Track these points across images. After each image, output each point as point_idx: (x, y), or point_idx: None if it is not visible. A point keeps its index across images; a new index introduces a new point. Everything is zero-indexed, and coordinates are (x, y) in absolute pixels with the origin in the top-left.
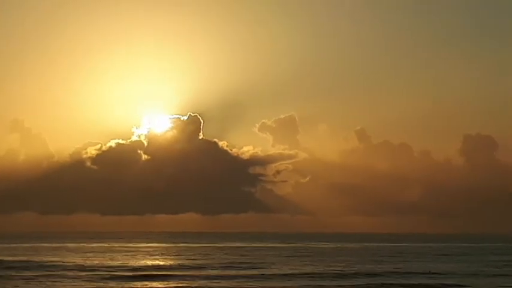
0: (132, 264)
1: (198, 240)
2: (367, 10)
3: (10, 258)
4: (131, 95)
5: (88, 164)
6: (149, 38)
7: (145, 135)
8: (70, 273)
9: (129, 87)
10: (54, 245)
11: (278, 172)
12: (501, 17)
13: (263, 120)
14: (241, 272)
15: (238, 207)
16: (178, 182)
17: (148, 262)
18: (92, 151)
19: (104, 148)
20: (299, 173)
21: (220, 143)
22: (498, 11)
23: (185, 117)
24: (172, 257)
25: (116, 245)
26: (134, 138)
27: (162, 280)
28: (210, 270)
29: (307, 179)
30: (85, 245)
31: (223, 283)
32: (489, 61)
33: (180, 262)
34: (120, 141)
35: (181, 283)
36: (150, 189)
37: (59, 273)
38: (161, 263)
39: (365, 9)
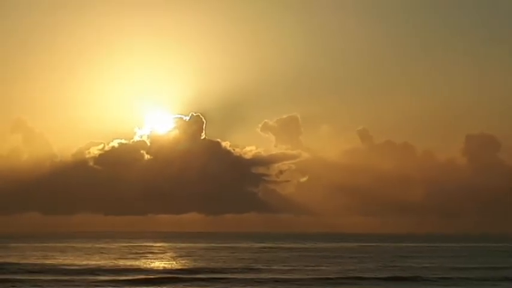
0: (143, 267)
1: (205, 240)
2: (370, 10)
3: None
4: (133, 95)
5: (91, 164)
6: (152, 37)
7: (147, 135)
8: (80, 277)
9: (131, 87)
10: (59, 244)
11: (281, 172)
12: (505, 17)
13: (265, 120)
14: (256, 275)
15: (241, 207)
16: (181, 182)
17: (156, 264)
18: (95, 151)
19: (106, 148)
20: (302, 173)
21: (223, 143)
22: (501, 11)
23: (187, 117)
24: (183, 259)
25: (124, 245)
26: (137, 138)
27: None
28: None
29: (310, 179)
30: (92, 245)
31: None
32: (492, 61)
33: (195, 264)
34: (123, 141)
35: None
36: (152, 189)
37: (67, 278)
38: (174, 265)
39: (367, 9)
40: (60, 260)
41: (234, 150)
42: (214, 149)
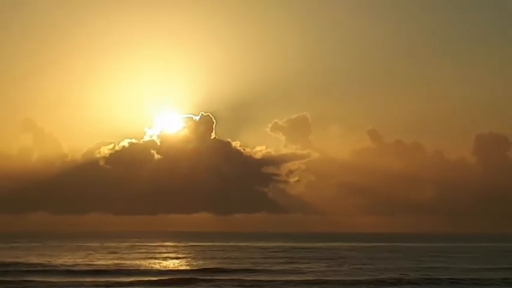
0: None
1: (215, 240)
2: (380, 9)
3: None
4: (144, 95)
5: (101, 163)
6: (161, 38)
7: (157, 135)
8: (88, 279)
9: (141, 87)
10: (69, 244)
11: (291, 172)
12: None
13: (275, 120)
14: (267, 276)
15: (251, 207)
16: (191, 182)
17: (168, 265)
18: (105, 151)
19: (117, 148)
20: (312, 172)
21: (233, 143)
22: (510, 11)
23: (197, 117)
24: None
25: (135, 244)
26: (147, 138)
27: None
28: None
29: (320, 178)
30: (102, 244)
31: None
32: (502, 61)
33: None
34: (133, 141)
35: None
36: (162, 189)
37: (75, 279)
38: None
39: (378, 9)
40: (68, 260)
41: (244, 150)
42: (224, 148)
